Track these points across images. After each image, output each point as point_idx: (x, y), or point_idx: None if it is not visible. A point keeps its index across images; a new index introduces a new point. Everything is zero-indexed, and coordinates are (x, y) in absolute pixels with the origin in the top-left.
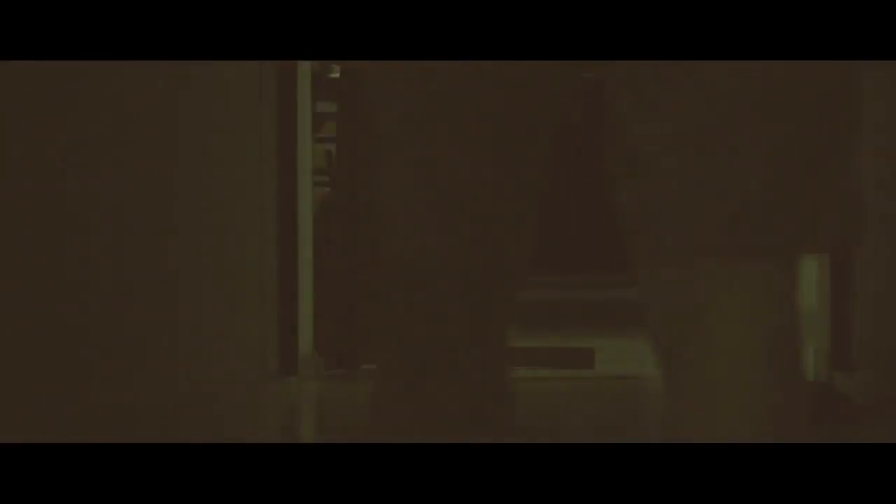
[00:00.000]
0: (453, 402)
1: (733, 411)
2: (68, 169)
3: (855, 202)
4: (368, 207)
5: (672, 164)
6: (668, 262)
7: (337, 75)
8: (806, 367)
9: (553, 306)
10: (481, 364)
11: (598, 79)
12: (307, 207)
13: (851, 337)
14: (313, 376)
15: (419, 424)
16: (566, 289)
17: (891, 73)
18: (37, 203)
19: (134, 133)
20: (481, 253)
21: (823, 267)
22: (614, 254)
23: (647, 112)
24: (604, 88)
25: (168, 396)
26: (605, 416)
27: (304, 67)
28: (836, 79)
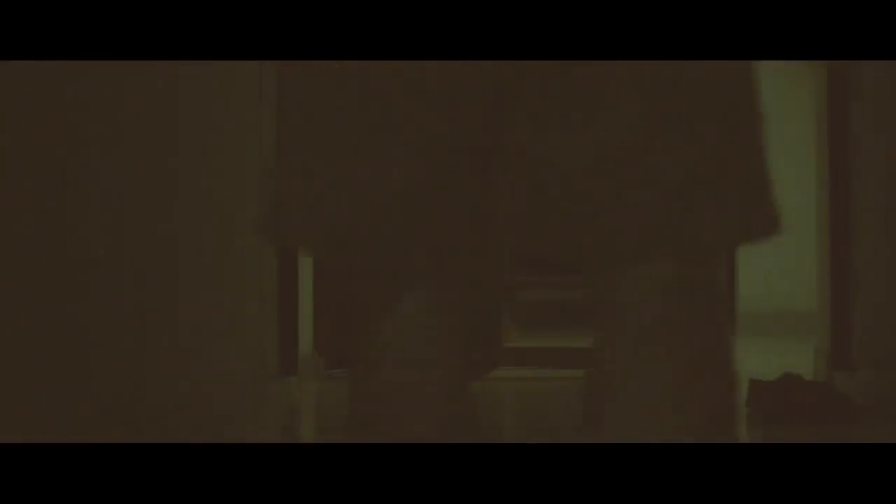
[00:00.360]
0: (421, 403)
1: (659, 411)
2: (68, 169)
3: (766, 193)
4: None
5: (579, 175)
6: (592, 267)
7: None
8: (732, 362)
9: (553, 306)
10: (448, 365)
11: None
12: None
13: (851, 337)
14: (313, 376)
15: (392, 425)
16: (566, 289)
17: (891, 73)
18: (37, 203)
19: (134, 133)
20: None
21: (823, 266)
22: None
23: (552, 126)
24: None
25: (168, 396)
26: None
27: None
28: (734, 79)
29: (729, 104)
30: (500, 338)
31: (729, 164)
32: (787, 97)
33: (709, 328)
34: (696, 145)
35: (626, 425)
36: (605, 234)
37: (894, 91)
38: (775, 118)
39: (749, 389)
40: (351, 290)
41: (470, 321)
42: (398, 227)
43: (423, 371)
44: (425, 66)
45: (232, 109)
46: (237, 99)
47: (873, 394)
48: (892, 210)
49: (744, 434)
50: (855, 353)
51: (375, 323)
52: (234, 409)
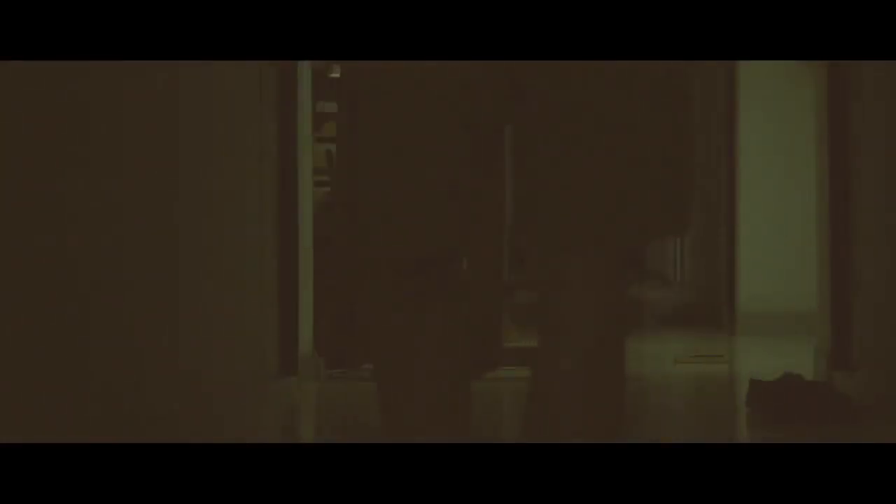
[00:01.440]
0: (420, 404)
1: (575, 413)
2: (68, 169)
3: (681, 192)
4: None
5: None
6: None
7: (337, 75)
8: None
9: None
10: (448, 366)
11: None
12: (307, 207)
13: (851, 337)
14: (313, 376)
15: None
16: None
17: (891, 73)
18: (37, 203)
19: (134, 133)
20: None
21: (823, 266)
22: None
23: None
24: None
25: (168, 396)
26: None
27: (304, 67)
28: (666, 80)
29: (659, 114)
30: (500, 338)
31: (650, 168)
32: (787, 97)
33: (617, 330)
34: (626, 150)
35: (545, 426)
36: (547, 226)
37: (894, 91)
38: (775, 118)
39: (749, 389)
40: (358, 294)
41: (470, 321)
42: (409, 228)
43: (426, 372)
44: (428, 66)
45: (232, 109)
46: (237, 99)
47: (873, 394)
48: (892, 210)
49: (744, 434)
50: (855, 353)
51: (390, 326)
52: (234, 409)
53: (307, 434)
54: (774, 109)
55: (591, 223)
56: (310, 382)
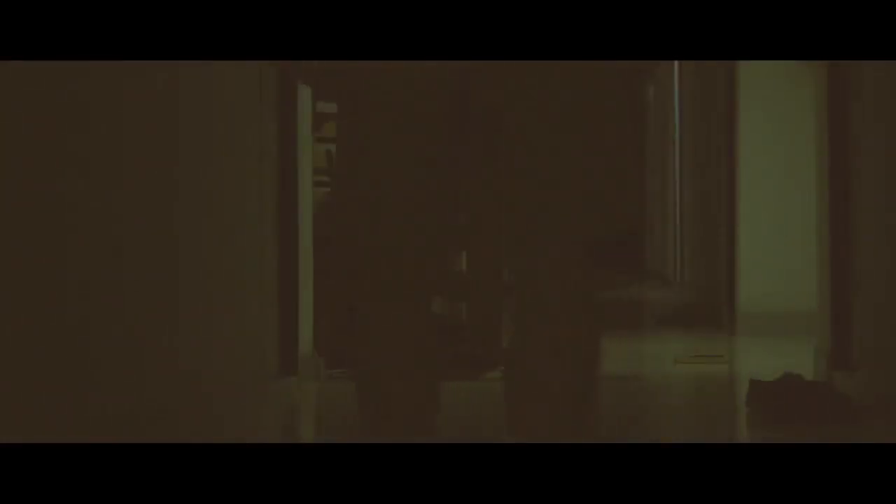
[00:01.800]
0: (386, 403)
1: (562, 412)
2: (68, 169)
3: (632, 197)
4: (351, 206)
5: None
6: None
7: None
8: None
9: None
10: (414, 366)
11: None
12: (307, 207)
13: (851, 337)
14: (313, 376)
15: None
16: None
17: (891, 73)
18: (37, 203)
19: (134, 133)
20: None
21: (823, 266)
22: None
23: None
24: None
25: (168, 396)
26: (605, 416)
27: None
28: (617, 86)
29: (608, 125)
30: (500, 338)
31: (601, 175)
32: (787, 97)
33: (590, 327)
34: (583, 158)
35: (535, 426)
36: (521, 226)
37: (894, 91)
38: (775, 118)
39: (749, 389)
40: (352, 293)
41: (469, 321)
42: (400, 229)
43: (394, 371)
44: (426, 68)
45: (232, 109)
46: (237, 99)
47: (873, 394)
48: (892, 210)
49: (744, 434)
50: (855, 353)
51: (373, 324)
52: (234, 409)
53: (307, 434)
54: (774, 109)
55: (561, 221)
56: (310, 382)
